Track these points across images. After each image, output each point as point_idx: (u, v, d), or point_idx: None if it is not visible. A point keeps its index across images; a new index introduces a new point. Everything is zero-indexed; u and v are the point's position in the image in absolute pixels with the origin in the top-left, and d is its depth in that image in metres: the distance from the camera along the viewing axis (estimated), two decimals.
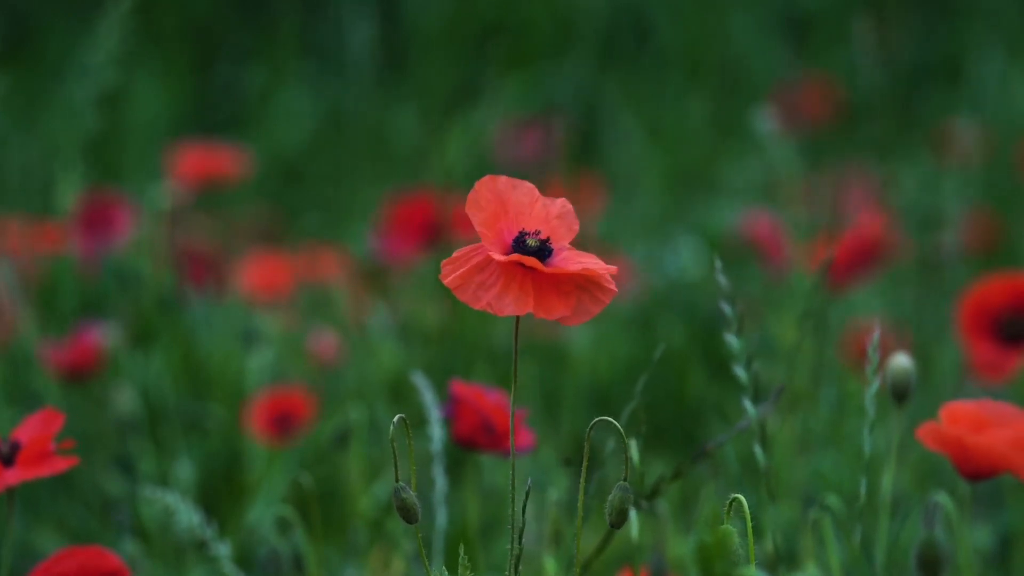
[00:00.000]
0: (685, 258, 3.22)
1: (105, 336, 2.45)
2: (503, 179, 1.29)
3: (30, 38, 5.36)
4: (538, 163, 4.04)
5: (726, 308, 1.49)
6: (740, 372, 1.49)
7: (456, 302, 2.86)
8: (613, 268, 1.27)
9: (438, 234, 2.92)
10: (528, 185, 1.29)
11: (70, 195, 2.90)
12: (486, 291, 1.26)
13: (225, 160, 3.23)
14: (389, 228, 2.98)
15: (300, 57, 5.28)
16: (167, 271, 2.90)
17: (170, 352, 2.62)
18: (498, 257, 1.25)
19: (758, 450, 1.48)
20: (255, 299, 3.17)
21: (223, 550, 1.57)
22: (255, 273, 3.24)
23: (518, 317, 1.27)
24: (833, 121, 4.46)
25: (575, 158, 4.31)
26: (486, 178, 1.28)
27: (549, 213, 1.30)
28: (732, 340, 1.49)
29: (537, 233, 1.28)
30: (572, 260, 1.27)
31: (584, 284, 1.27)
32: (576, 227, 1.30)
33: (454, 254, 1.27)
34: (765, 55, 5.22)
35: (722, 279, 1.48)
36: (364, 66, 5.08)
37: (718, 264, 1.49)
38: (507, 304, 1.25)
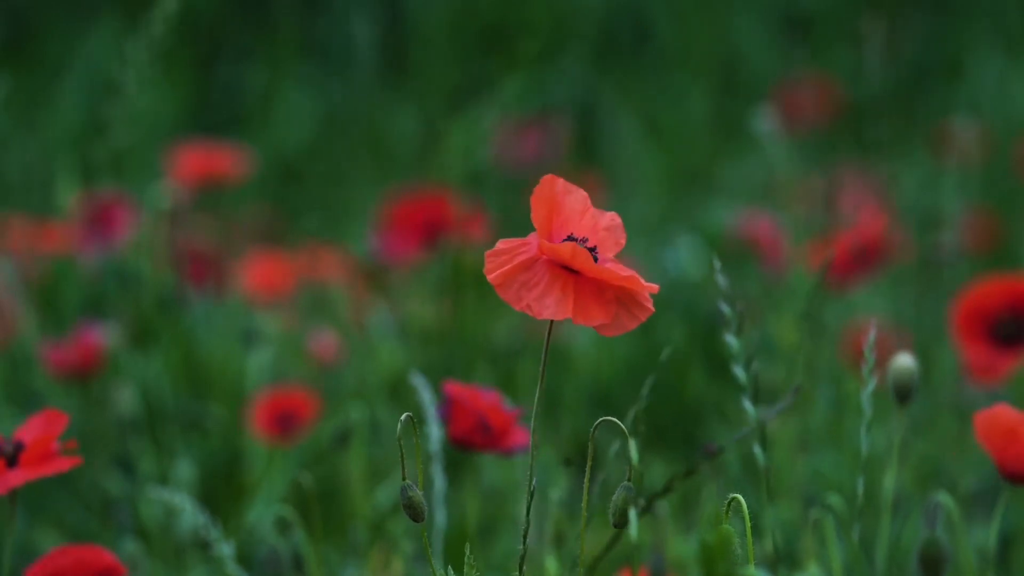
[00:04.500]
0: (685, 258, 3.22)
1: (105, 336, 2.45)
2: (561, 181, 1.28)
3: (30, 38, 5.36)
4: (538, 163, 4.04)
5: (725, 308, 1.49)
6: (739, 373, 1.49)
7: (456, 302, 2.85)
8: (654, 287, 1.26)
9: (438, 234, 2.92)
10: (582, 193, 1.29)
11: (70, 195, 2.90)
12: (528, 291, 1.25)
13: (225, 160, 3.23)
14: (389, 228, 2.98)
15: (301, 57, 5.28)
16: (167, 271, 2.90)
17: (170, 352, 2.62)
18: (549, 246, 1.24)
19: (758, 450, 1.48)
20: (255, 299, 3.17)
21: (226, 550, 1.57)
22: (255, 273, 3.24)
23: (551, 322, 1.27)
24: (833, 121, 4.46)
25: (575, 158, 4.31)
26: (547, 176, 1.27)
27: (598, 224, 1.29)
28: (731, 340, 1.49)
29: (585, 241, 1.27)
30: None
31: (623, 299, 1.26)
32: (623, 241, 1.29)
33: (498, 245, 1.26)
34: (765, 55, 5.22)
35: (721, 279, 1.48)
36: (365, 66, 5.08)
37: (717, 264, 1.49)
38: (547, 306, 1.24)
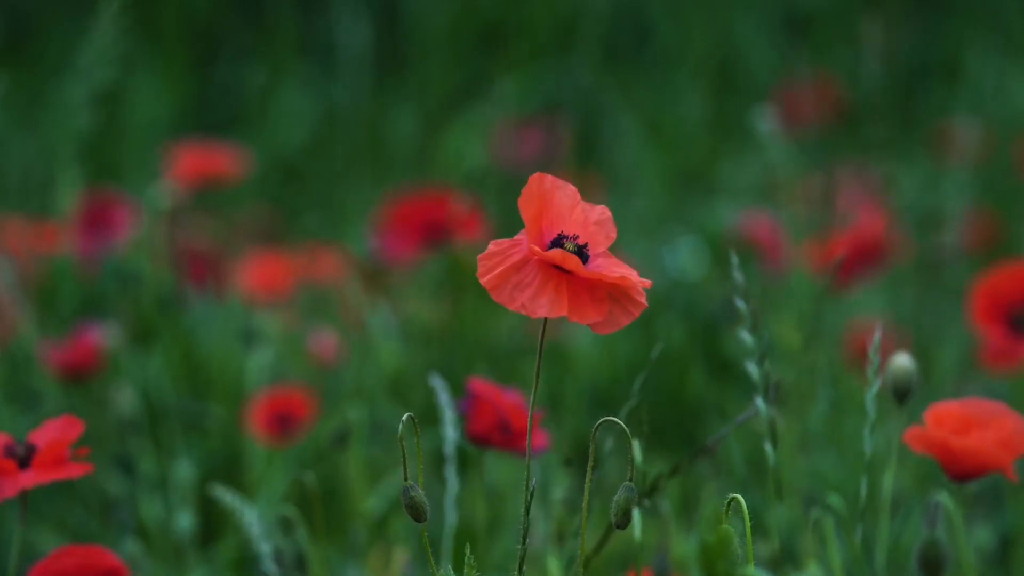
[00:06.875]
0: (685, 258, 3.22)
1: (105, 336, 2.45)
2: (549, 178, 1.28)
3: (30, 38, 5.36)
4: (538, 163, 4.04)
5: (739, 304, 1.49)
6: (752, 369, 1.48)
7: (456, 302, 2.85)
8: (647, 282, 1.26)
9: (438, 234, 2.92)
10: (571, 188, 1.29)
11: (70, 195, 2.90)
12: (521, 292, 1.25)
13: (222, 159, 3.23)
14: (389, 228, 2.98)
15: (300, 57, 5.28)
16: (167, 271, 2.90)
17: (170, 352, 2.62)
18: (539, 252, 1.24)
19: (768, 448, 1.48)
20: (255, 299, 3.17)
21: (254, 525, 1.56)
22: (255, 273, 3.24)
23: (545, 320, 1.27)
24: (833, 121, 4.46)
25: (575, 157, 4.31)
26: (536, 174, 1.28)
27: (588, 218, 1.29)
28: (745, 337, 1.49)
29: (575, 237, 1.27)
30: (608, 268, 1.27)
31: (616, 295, 1.26)
32: (614, 234, 1.29)
33: (489, 247, 1.26)
34: (765, 55, 5.22)
35: (738, 276, 1.48)
36: (364, 66, 5.08)
37: (735, 260, 1.49)
38: (541, 305, 1.24)
